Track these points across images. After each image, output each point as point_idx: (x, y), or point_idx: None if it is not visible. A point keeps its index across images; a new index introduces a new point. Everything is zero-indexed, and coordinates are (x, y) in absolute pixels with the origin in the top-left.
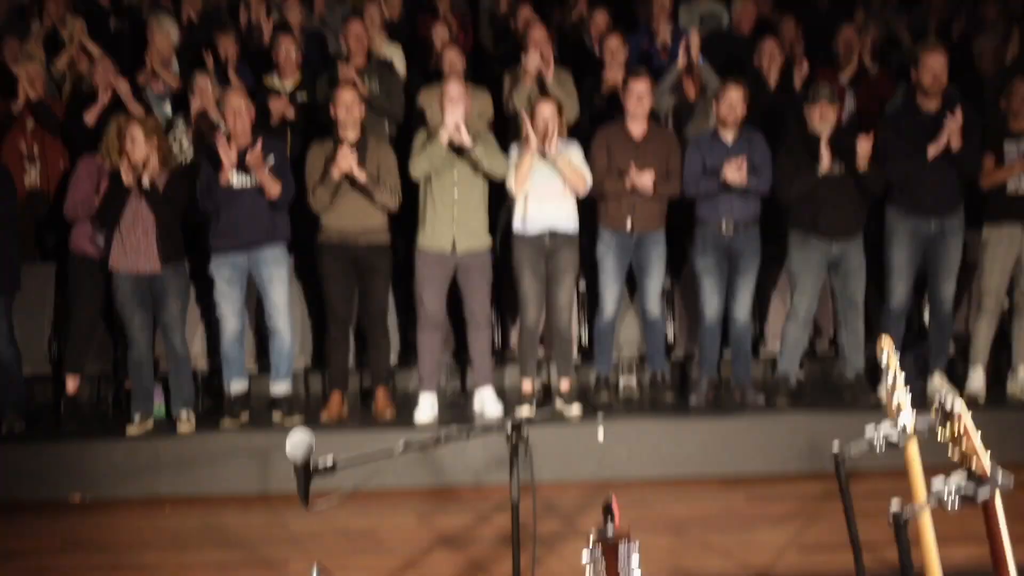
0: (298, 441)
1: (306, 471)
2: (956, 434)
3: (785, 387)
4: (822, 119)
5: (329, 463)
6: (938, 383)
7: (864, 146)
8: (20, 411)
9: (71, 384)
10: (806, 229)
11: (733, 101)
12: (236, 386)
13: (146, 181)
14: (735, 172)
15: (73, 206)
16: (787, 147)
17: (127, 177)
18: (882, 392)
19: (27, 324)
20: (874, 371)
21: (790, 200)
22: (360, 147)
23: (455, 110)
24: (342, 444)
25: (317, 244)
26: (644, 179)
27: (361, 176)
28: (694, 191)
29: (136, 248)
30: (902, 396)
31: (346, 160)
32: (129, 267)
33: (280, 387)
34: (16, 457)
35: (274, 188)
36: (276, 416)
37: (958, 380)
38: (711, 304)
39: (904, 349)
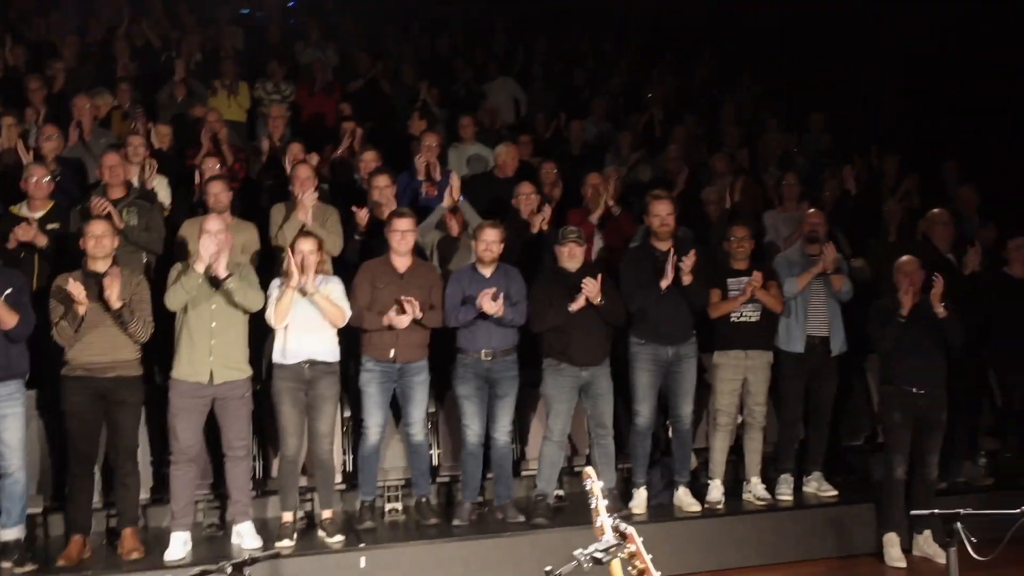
0: None
1: None
2: (629, 554)
3: (544, 505)
4: (570, 258)
5: None
6: (682, 495)
7: (591, 285)
8: None
9: None
10: (558, 357)
11: (488, 240)
12: None
13: None
14: (489, 302)
15: None
16: (540, 281)
17: None
18: (634, 506)
19: None
20: (626, 485)
21: (543, 331)
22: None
23: (210, 242)
24: None
25: (60, 377)
26: (402, 320)
27: (117, 304)
28: (455, 321)
29: None
30: (605, 520)
31: (76, 289)
32: None
33: (11, 532)
34: None
35: (10, 319)
36: (6, 565)
37: (701, 490)
38: (473, 428)
39: (652, 464)
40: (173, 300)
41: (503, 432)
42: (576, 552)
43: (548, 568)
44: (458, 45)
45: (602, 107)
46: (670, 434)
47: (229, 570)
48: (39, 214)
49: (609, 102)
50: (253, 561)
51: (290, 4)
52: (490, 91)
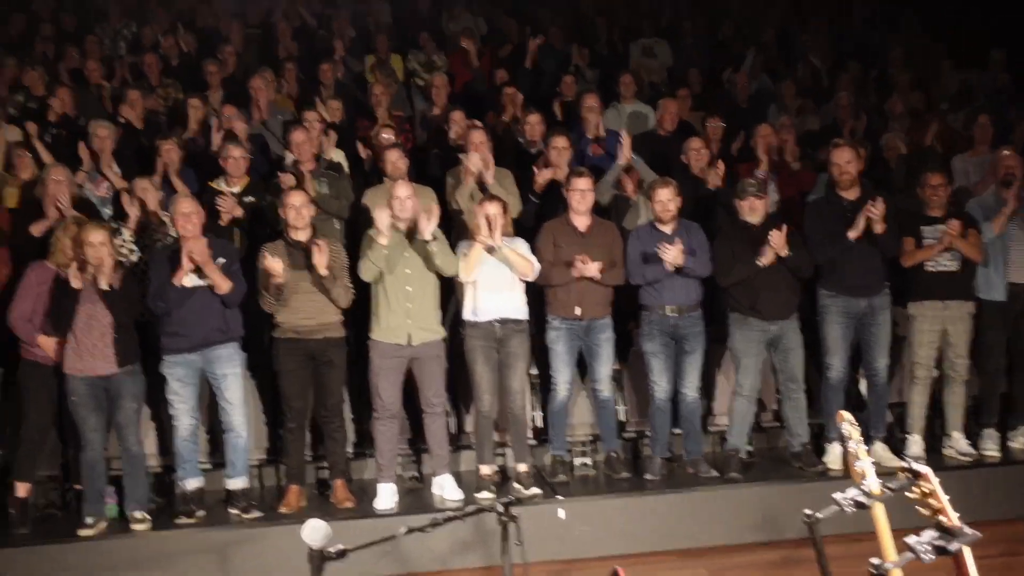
0: (316, 528)
1: (320, 557)
2: (925, 493)
3: (736, 460)
4: (751, 211)
5: (339, 549)
6: (880, 451)
7: (777, 237)
8: None
9: (21, 489)
10: (745, 312)
11: (663, 198)
12: (191, 483)
13: (104, 283)
14: (670, 252)
15: (17, 317)
16: (722, 236)
17: (77, 281)
18: (829, 461)
19: None
20: (817, 441)
21: (729, 286)
22: (310, 247)
23: (381, 214)
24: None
25: (272, 340)
26: (591, 269)
27: (324, 272)
28: (639, 279)
29: (92, 351)
30: (866, 463)
31: (271, 263)
32: (85, 370)
33: (237, 482)
34: None
35: (224, 284)
36: (233, 511)
37: (897, 446)
38: (660, 385)
39: None
40: (365, 272)
41: (691, 388)
42: (836, 495)
43: (807, 512)
44: (601, 5)
45: (758, 60)
46: (861, 388)
47: (500, 509)
48: (236, 189)
49: (764, 54)
50: (519, 502)
51: None
52: (635, 50)
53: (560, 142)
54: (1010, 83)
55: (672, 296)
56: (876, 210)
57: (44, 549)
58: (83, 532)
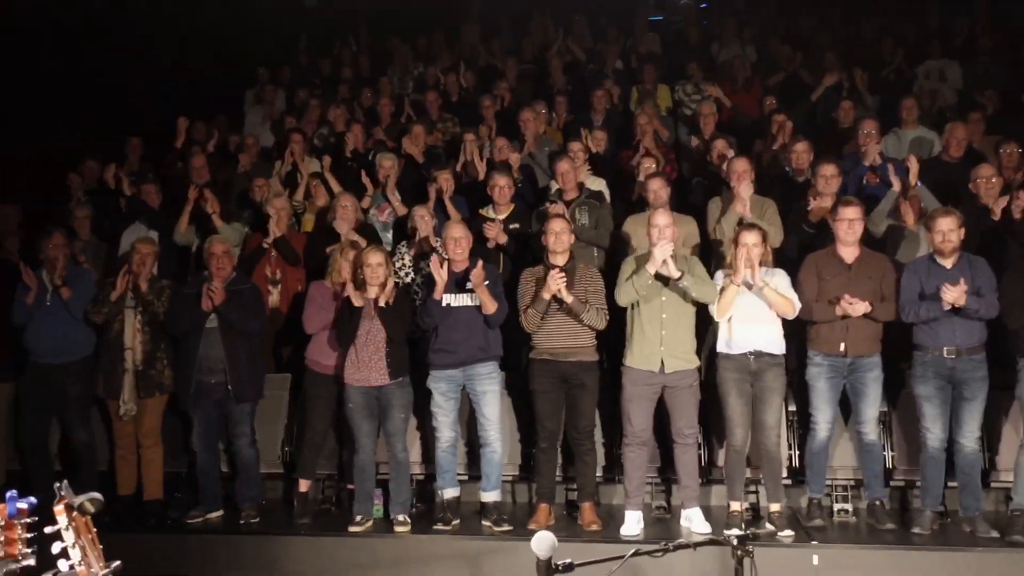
0: (543, 539)
1: (547, 568)
2: None
3: (1022, 521)
4: None
5: (567, 562)
6: None
7: None
8: (255, 505)
9: (304, 485)
10: None
11: (944, 228)
12: (449, 492)
13: (381, 301)
14: (951, 289)
15: (312, 324)
16: (1012, 271)
17: (358, 300)
18: None
19: (264, 427)
20: None
21: (1020, 326)
22: (569, 272)
23: (665, 245)
24: (557, 553)
25: (528, 361)
26: (857, 309)
27: (568, 298)
28: (913, 317)
29: (368, 364)
30: None
31: (555, 282)
32: (361, 381)
33: (490, 495)
34: (250, 547)
35: (491, 305)
36: (486, 523)
37: None
38: (933, 432)
39: None
40: (624, 297)
41: (970, 438)
42: None
43: None
44: (885, 26)
45: None
46: None
47: (735, 542)
48: (502, 216)
49: None
50: (755, 537)
51: (703, 5)
52: (924, 72)
53: (828, 170)
54: None
55: (950, 336)
56: None
57: (320, 541)
58: (353, 528)
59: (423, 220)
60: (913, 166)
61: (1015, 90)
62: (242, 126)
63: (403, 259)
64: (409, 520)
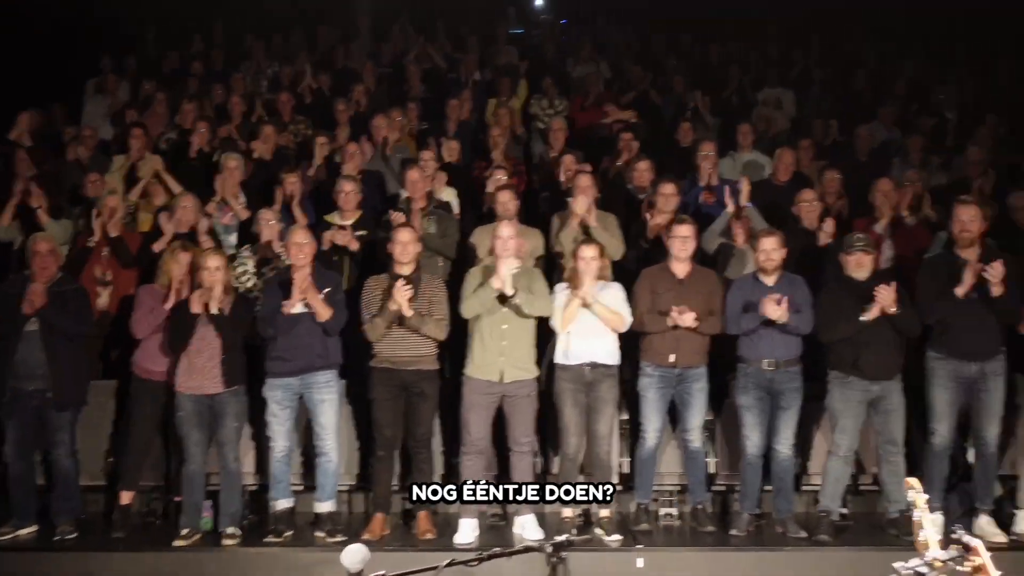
0: (353, 552)
1: None
2: (976, 568)
3: (827, 522)
4: (858, 267)
5: (379, 574)
6: (984, 524)
7: (885, 293)
8: (73, 520)
9: (125, 497)
10: (846, 370)
11: (767, 247)
12: (282, 504)
13: (214, 307)
14: (773, 306)
15: (140, 328)
16: (827, 290)
17: (196, 305)
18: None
19: (87, 436)
20: None
21: (832, 342)
22: (414, 282)
23: (510, 262)
24: (384, 563)
25: (368, 369)
26: (686, 319)
27: (408, 312)
28: (736, 329)
29: (202, 371)
30: (930, 533)
31: (400, 294)
32: (194, 389)
33: (325, 506)
34: (66, 565)
35: (324, 312)
36: (319, 534)
37: (1006, 520)
38: (752, 439)
39: (950, 489)
40: (468, 310)
41: (785, 445)
42: (897, 564)
43: None
44: (731, 52)
45: (890, 112)
46: (969, 457)
47: (549, 549)
48: (349, 222)
49: (898, 106)
50: (570, 544)
51: (562, 22)
52: (763, 98)
53: (667, 189)
54: None
55: (770, 349)
56: (994, 272)
57: (140, 556)
58: (177, 543)
59: (268, 224)
60: (744, 188)
61: (845, 120)
62: (80, 117)
63: (245, 264)
64: (239, 533)
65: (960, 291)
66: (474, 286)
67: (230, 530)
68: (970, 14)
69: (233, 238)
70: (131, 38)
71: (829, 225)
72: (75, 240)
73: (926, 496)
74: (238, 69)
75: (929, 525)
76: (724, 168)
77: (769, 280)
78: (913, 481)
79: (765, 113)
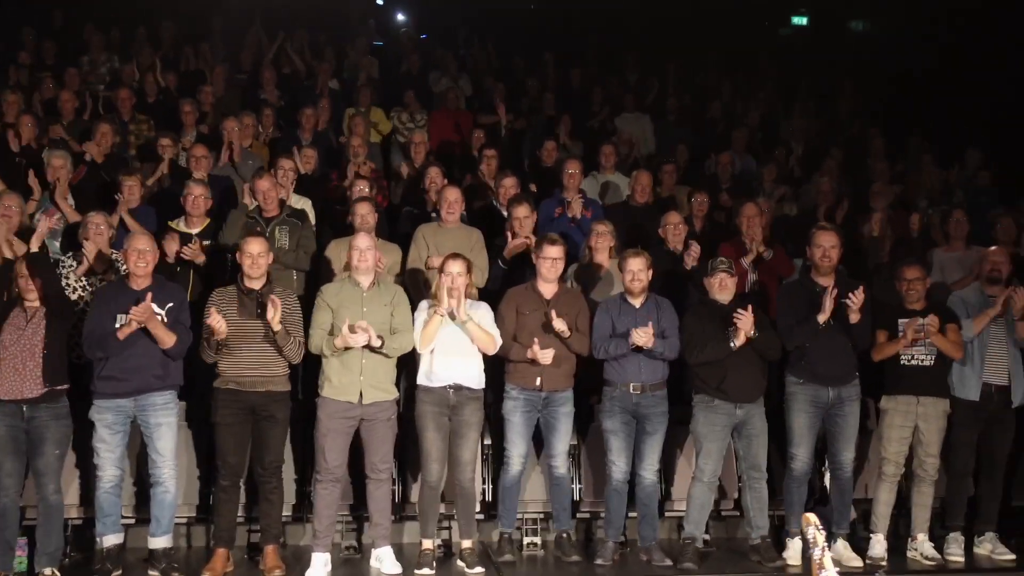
0: None
1: None
2: None
3: (692, 549)
4: (721, 289)
5: None
6: (841, 549)
7: (745, 318)
8: None
9: None
10: (711, 393)
11: (634, 268)
12: (110, 539)
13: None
14: (640, 335)
15: None
16: (692, 313)
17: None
18: (788, 557)
19: None
20: (778, 533)
21: (696, 364)
22: (263, 296)
23: (357, 339)
24: None
25: (212, 389)
26: (558, 324)
27: (277, 327)
28: (603, 354)
29: (20, 373)
30: (831, 571)
31: (215, 320)
32: (10, 393)
33: (160, 541)
34: None
35: (168, 339)
36: (153, 572)
37: (860, 545)
38: (618, 464)
39: (807, 512)
40: (315, 348)
41: (650, 470)
42: None
43: None
44: (591, 76)
45: (742, 140)
46: (826, 481)
47: None
48: (196, 230)
49: (748, 135)
50: None
51: (422, 37)
52: (622, 124)
53: (521, 211)
54: (989, 182)
55: (636, 373)
56: (856, 299)
57: None
58: None
59: (98, 230)
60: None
61: (698, 148)
62: None
63: (67, 274)
64: (58, 573)
65: (822, 318)
66: (324, 312)
67: (48, 571)
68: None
69: (57, 243)
70: None
71: (695, 248)
72: None
73: (825, 533)
74: (72, 63)
75: (830, 566)
76: (587, 189)
77: (636, 302)
78: (812, 517)
79: (627, 136)
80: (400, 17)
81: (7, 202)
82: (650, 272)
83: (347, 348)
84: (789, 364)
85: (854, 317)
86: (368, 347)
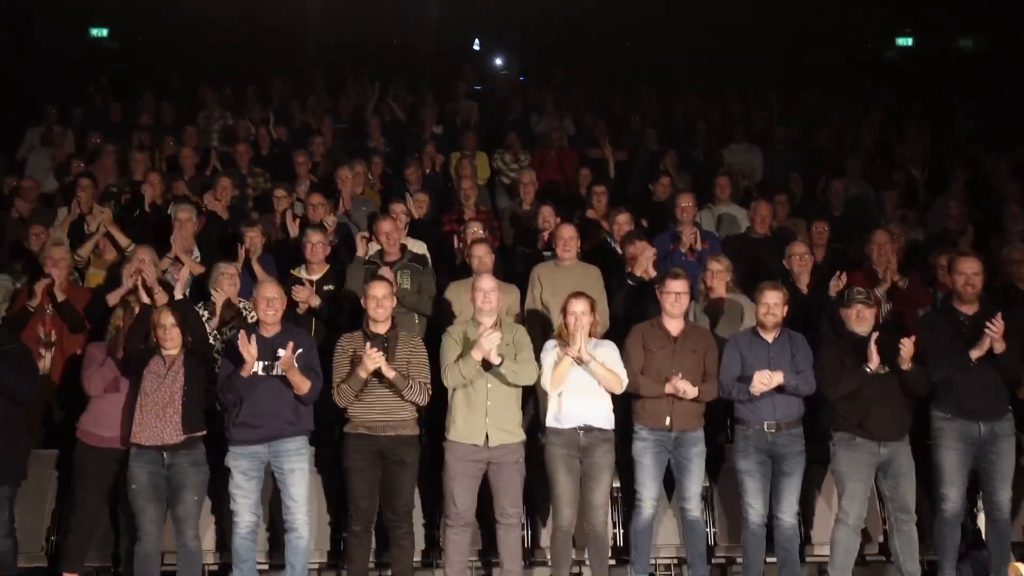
0: None
1: None
2: None
3: None
4: (859, 321)
5: None
6: None
7: (907, 346)
8: None
9: None
10: (852, 430)
11: (770, 302)
12: None
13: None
14: (764, 384)
15: (95, 384)
16: (827, 346)
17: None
18: None
19: (26, 512)
20: None
21: (836, 399)
22: (389, 341)
23: (492, 336)
24: None
25: (342, 435)
26: (687, 390)
27: (390, 373)
28: (731, 396)
29: (159, 419)
30: None
31: (373, 361)
32: (151, 439)
33: None
34: None
35: (303, 385)
36: None
37: None
38: (754, 507)
39: (961, 557)
40: (451, 381)
41: (789, 513)
42: None
43: None
44: (692, 108)
45: (857, 166)
46: (980, 523)
47: None
48: (316, 276)
49: (864, 161)
50: None
51: (521, 79)
52: (729, 155)
53: (639, 247)
54: None
55: (771, 411)
56: (996, 327)
57: None
58: None
59: (230, 280)
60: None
61: (809, 177)
62: (19, 167)
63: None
64: None
65: (976, 353)
66: (453, 350)
67: None
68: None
69: (184, 295)
70: (78, 89)
71: (844, 278)
72: (15, 297)
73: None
74: (189, 121)
75: None
76: (701, 220)
77: (769, 336)
78: (1020, 566)
79: (737, 167)
80: (498, 61)
81: (142, 255)
82: (786, 307)
83: (486, 365)
84: (935, 398)
85: (998, 347)
86: (488, 363)
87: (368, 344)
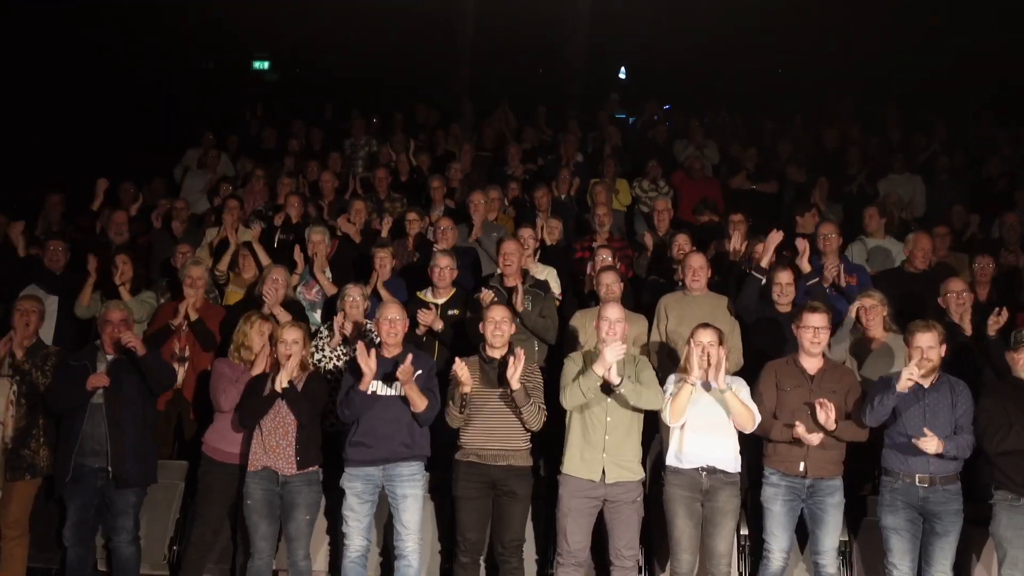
0: None
1: None
2: None
3: None
4: None
5: None
6: None
7: None
8: None
9: None
10: (1016, 490)
11: (923, 345)
12: None
13: (285, 380)
14: (931, 444)
15: (228, 399)
16: (989, 393)
17: (278, 383)
18: None
19: (152, 521)
20: None
21: (997, 454)
22: (504, 365)
23: (616, 347)
24: None
25: (454, 462)
26: (812, 439)
27: (516, 385)
28: (873, 417)
29: (275, 450)
30: None
31: (463, 372)
32: (268, 467)
33: None
34: None
35: (420, 402)
36: None
37: None
38: (902, 568)
39: None
40: (570, 399)
41: None
42: None
43: None
44: (848, 137)
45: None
46: None
47: None
48: (441, 300)
49: None
50: None
51: (666, 107)
52: (888, 185)
53: (783, 277)
54: None
55: (924, 464)
56: None
57: None
58: None
59: (353, 301)
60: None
61: (975, 209)
62: (177, 190)
63: (322, 343)
64: None
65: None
66: (574, 373)
67: None
68: None
69: (318, 315)
70: (233, 116)
71: (998, 316)
72: (157, 314)
73: None
74: (335, 147)
75: None
76: (853, 253)
77: (925, 382)
78: None
79: (894, 198)
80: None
81: (275, 275)
82: (943, 348)
83: (606, 389)
84: None
85: None
86: (608, 387)
87: (458, 361)
